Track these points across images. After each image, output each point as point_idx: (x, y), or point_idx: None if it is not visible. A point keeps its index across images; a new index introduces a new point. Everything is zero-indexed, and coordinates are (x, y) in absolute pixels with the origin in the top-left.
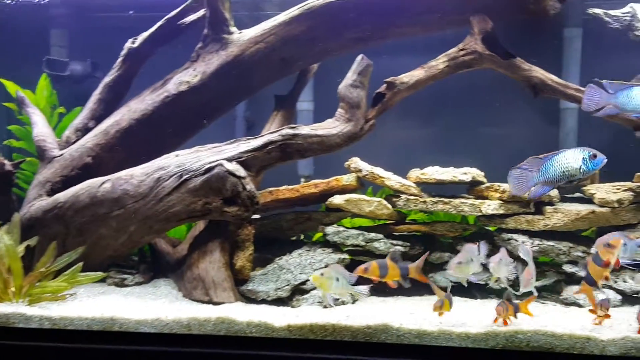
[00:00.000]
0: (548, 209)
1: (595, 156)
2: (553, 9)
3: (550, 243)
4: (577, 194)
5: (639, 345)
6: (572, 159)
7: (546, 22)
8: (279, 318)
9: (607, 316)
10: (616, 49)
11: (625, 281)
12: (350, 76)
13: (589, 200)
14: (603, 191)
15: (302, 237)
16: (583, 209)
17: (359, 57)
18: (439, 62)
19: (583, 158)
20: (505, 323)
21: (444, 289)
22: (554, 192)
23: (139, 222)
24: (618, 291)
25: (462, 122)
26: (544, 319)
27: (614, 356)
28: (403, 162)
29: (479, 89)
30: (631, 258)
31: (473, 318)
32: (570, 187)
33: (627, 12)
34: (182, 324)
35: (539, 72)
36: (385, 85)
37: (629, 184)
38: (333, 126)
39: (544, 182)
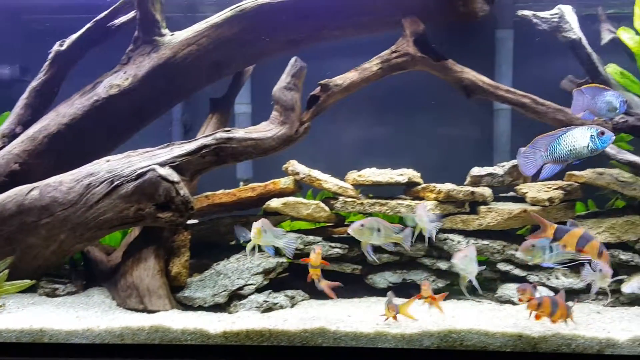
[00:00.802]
0: (482, 208)
1: (603, 133)
2: (482, 10)
3: (485, 242)
4: (511, 193)
5: (569, 342)
6: (579, 137)
7: (479, 24)
8: (215, 325)
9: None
10: (548, 50)
11: (558, 278)
12: (284, 79)
13: (522, 199)
14: (535, 190)
15: (241, 241)
16: (515, 208)
17: (293, 59)
18: (372, 64)
19: (591, 135)
20: (395, 318)
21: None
22: (488, 192)
23: (69, 230)
24: (551, 288)
25: (399, 124)
26: (479, 318)
27: (545, 353)
28: (342, 164)
29: (414, 90)
30: (557, 260)
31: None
32: (503, 186)
33: (556, 14)
34: (115, 333)
35: (470, 74)
36: (319, 87)
37: (559, 182)
38: (268, 129)
39: (553, 161)
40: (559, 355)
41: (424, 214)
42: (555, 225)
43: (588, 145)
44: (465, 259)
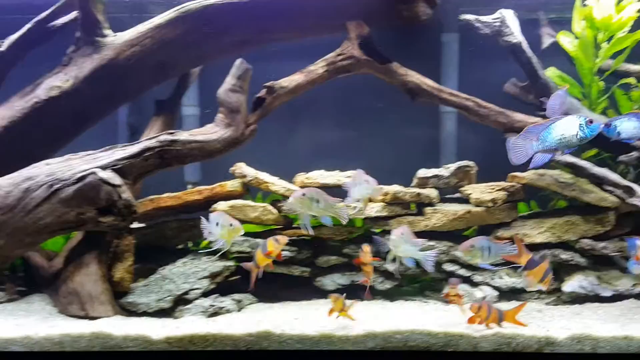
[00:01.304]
0: (428, 209)
1: (591, 122)
2: (424, 14)
3: (431, 243)
4: (457, 195)
5: (509, 341)
6: (569, 125)
7: (425, 28)
8: (158, 330)
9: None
10: (493, 53)
11: (501, 278)
12: (229, 80)
13: (467, 200)
14: (478, 191)
15: (190, 245)
16: (460, 209)
17: (238, 61)
18: (318, 67)
19: (580, 124)
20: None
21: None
22: (434, 193)
23: (8, 235)
24: (495, 287)
25: (349, 126)
26: (424, 318)
27: (486, 352)
28: (293, 167)
29: (364, 93)
30: (494, 260)
31: (356, 320)
32: (449, 187)
33: (497, 18)
34: (54, 340)
35: (414, 77)
36: (264, 89)
37: (502, 183)
38: (213, 131)
39: (543, 150)
40: (499, 354)
41: (398, 239)
42: (530, 256)
43: (577, 134)
44: (399, 238)
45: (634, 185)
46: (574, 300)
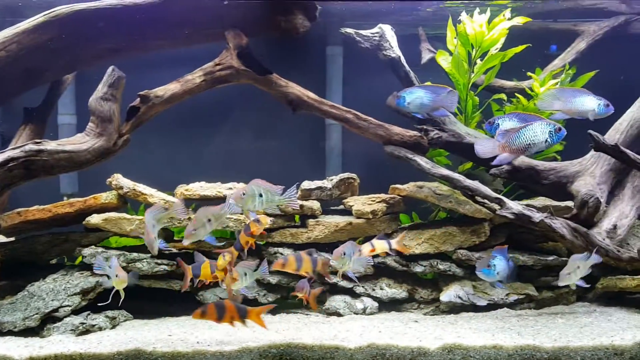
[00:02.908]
0: (310, 221)
1: (559, 130)
2: (302, 27)
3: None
4: (341, 207)
5: (383, 352)
6: (539, 131)
7: (311, 40)
8: (21, 350)
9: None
10: (375, 67)
11: (382, 288)
12: (101, 88)
13: (350, 212)
14: (360, 203)
15: (65, 260)
16: (341, 220)
17: (110, 68)
18: (195, 76)
19: (549, 131)
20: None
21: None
22: (317, 205)
23: None
24: (375, 298)
25: (236, 138)
26: (302, 331)
27: None
28: (177, 178)
29: (250, 104)
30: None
31: (233, 334)
32: (332, 199)
33: (376, 33)
34: None
35: (295, 89)
36: (138, 98)
37: (383, 195)
38: (83, 141)
39: (510, 150)
40: None
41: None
42: None
43: (546, 140)
44: (341, 257)
45: (504, 198)
46: (451, 310)
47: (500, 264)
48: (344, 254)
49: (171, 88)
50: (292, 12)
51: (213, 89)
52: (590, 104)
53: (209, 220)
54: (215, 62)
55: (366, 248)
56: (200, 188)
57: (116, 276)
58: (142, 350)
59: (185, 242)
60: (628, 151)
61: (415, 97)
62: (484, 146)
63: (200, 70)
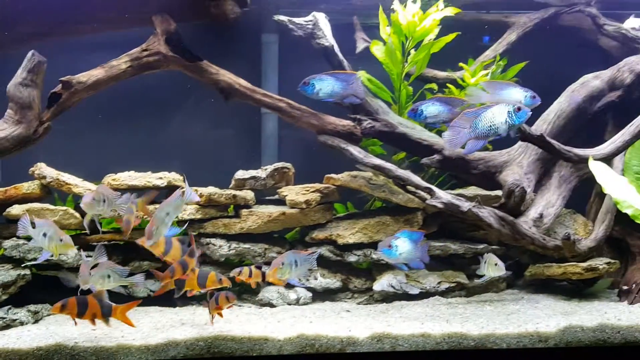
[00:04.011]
0: (244, 212)
1: (519, 109)
2: (233, 13)
3: (247, 245)
4: (277, 197)
5: (313, 342)
6: (498, 113)
7: (246, 28)
8: None
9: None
10: (312, 55)
11: (316, 279)
12: (20, 74)
13: (284, 202)
14: (294, 193)
15: None
16: (275, 210)
17: (30, 53)
18: (121, 62)
19: (508, 111)
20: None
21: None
22: (250, 195)
23: None
24: (309, 289)
25: (170, 126)
26: (233, 323)
27: (290, 355)
28: (107, 168)
29: (184, 92)
30: (304, 272)
31: (161, 327)
32: (267, 189)
33: (310, 21)
34: None
35: (226, 76)
36: (60, 85)
37: (317, 185)
38: (1, 129)
39: (476, 137)
40: (304, 356)
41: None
42: None
43: (506, 121)
44: (280, 267)
45: (434, 187)
46: (384, 299)
47: (403, 244)
48: (283, 264)
49: (95, 74)
50: None
51: (145, 75)
52: (517, 95)
53: (168, 214)
54: (142, 48)
55: (244, 274)
56: (128, 177)
57: (60, 240)
58: (63, 346)
59: (148, 243)
60: (553, 141)
61: (325, 84)
62: (453, 139)
63: (126, 55)
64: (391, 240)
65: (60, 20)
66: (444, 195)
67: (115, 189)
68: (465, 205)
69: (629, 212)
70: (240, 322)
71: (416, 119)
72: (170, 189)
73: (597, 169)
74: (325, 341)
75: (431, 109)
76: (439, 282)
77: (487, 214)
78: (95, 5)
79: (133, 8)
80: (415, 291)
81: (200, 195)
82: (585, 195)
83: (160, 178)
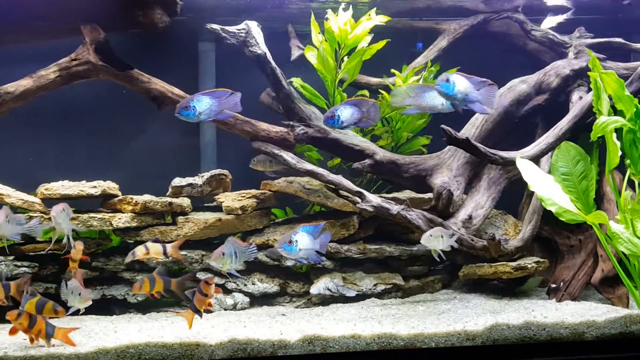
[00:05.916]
0: (180, 219)
1: (447, 80)
2: (161, 22)
3: (184, 252)
4: (214, 203)
5: (244, 347)
6: (435, 95)
7: (183, 35)
8: None
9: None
10: (249, 63)
11: (254, 283)
12: None
13: (221, 208)
14: (230, 199)
15: None
16: (211, 217)
17: None
18: (50, 72)
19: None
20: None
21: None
22: (187, 202)
23: None
24: (246, 294)
25: (106, 135)
26: (165, 330)
27: (222, 359)
28: (43, 177)
29: (120, 99)
30: (241, 263)
31: (93, 335)
32: (204, 196)
33: (242, 29)
34: None
35: (158, 84)
36: None
37: (253, 191)
38: None
39: (417, 106)
40: None
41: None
42: None
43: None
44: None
45: (364, 191)
46: (322, 302)
47: (302, 239)
48: (223, 254)
49: (23, 84)
50: (150, 6)
51: (80, 84)
52: (439, 98)
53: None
54: (71, 57)
55: (140, 251)
56: (61, 187)
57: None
58: None
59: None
60: (479, 145)
61: (204, 104)
62: (396, 99)
63: (55, 65)
64: (291, 236)
65: None
66: (374, 199)
67: (49, 198)
68: (395, 208)
69: (552, 209)
70: (173, 328)
71: (334, 125)
72: (105, 197)
73: (524, 168)
74: (257, 345)
75: (345, 112)
76: (375, 284)
77: (415, 216)
78: (22, 16)
79: (62, 18)
80: (352, 293)
81: (135, 204)
82: (518, 196)
83: (94, 187)
